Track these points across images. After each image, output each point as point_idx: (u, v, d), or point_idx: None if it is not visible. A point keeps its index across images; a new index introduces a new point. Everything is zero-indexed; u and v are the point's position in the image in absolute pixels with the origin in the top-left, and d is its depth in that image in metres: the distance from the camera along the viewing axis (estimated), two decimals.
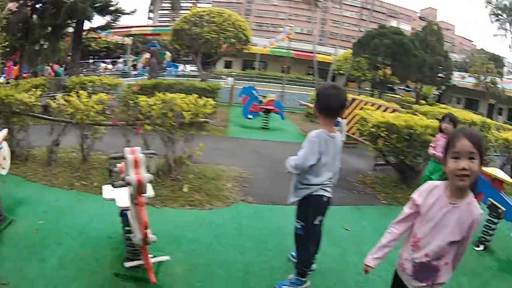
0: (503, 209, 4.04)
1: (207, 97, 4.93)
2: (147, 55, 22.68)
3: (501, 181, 4.18)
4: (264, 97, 10.84)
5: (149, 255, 2.43)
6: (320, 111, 2.58)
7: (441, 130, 4.53)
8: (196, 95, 4.72)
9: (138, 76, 18.02)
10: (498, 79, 25.35)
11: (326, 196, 2.61)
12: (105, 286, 2.46)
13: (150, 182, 2.29)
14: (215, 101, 7.92)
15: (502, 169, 7.30)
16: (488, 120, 12.01)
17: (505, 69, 38.75)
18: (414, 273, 1.85)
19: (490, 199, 4.13)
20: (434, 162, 4.53)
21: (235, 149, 6.92)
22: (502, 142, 7.50)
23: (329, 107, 2.53)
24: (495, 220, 4.13)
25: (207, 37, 11.80)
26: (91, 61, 26.02)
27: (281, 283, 2.68)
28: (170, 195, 4.09)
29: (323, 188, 2.59)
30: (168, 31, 15.73)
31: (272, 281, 2.69)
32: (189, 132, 4.56)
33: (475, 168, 1.65)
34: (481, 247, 4.14)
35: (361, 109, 7.55)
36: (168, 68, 24.32)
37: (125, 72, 22.99)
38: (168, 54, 24.90)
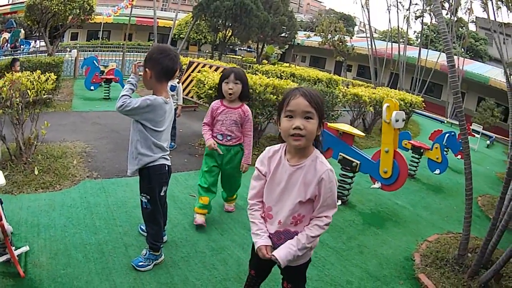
0: (357, 162, 4.03)
1: (53, 72, 4.67)
2: (5, 35, 22.54)
3: (351, 135, 4.16)
4: (106, 66, 10.75)
5: (12, 248, 2.35)
6: (159, 76, 2.36)
7: (222, 95, 3.12)
8: (39, 72, 4.36)
9: None
10: (347, 38, 25.60)
11: (167, 165, 2.55)
12: None
13: None
14: (58, 75, 7.63)
15: (353, 124, 8.01)
16: (335, 77, 12.43)
17: (357, 28, 42.82)
18: (276, 245, 1.71)
19: (341, 153, 4.11)
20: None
21: (78, 123, 6.68)
22: (350, 97, 7.93)
23: (172, 70, 2.37)
24: (350, 174, 4.15)
25: (55, 10, 11.06)
26: None
27: (136, 260, 2.63)
28: (25, 179, 3.87)
29: (163, 156, 2.52)
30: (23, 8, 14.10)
31: (127, 259, 2.69)
32: (34, 111, 4.26)
33: (311, 128, 1.54)
34: (339, 202, 4.13)
35: (198, 71, 7.47)
36: (22, 46, 23.06)
37: None
38: (22, 31, 23.58)
